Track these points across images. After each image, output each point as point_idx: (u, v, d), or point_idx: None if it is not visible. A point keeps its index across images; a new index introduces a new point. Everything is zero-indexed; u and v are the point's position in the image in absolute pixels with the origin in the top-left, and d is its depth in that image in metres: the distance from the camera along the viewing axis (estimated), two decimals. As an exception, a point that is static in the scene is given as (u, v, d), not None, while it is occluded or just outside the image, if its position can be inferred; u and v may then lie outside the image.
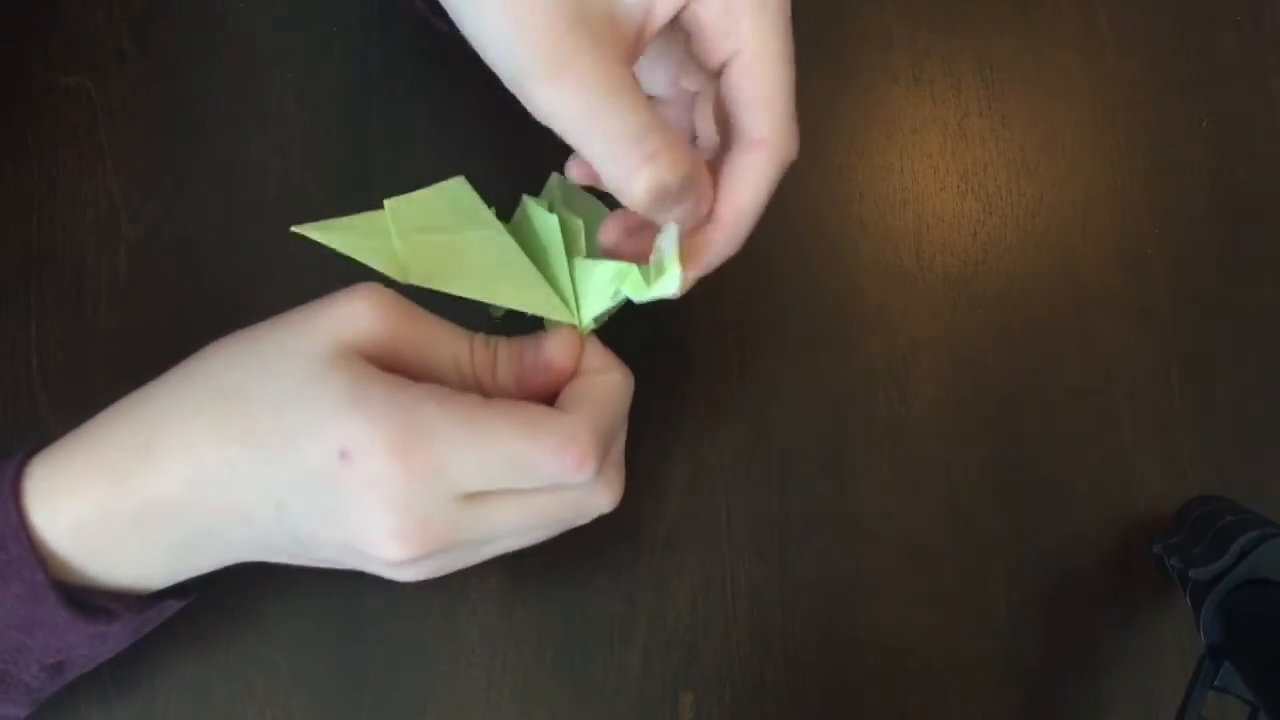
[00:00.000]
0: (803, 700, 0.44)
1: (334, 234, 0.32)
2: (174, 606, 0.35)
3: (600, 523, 0.34)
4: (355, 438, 0.29)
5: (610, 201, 0.36)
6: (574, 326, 0.35)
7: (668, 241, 0.32)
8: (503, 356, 0.33)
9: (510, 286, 0.34)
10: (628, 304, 0.35)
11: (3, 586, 0.31)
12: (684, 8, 0.30)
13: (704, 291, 0.35)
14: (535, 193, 0.41)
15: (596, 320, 0.35)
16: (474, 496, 0.31)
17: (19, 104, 0.43)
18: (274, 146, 0.44)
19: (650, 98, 0.36)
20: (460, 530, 0.31)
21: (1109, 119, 0.48)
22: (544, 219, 0.37)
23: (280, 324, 0.32)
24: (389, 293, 0.32)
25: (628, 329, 0.37)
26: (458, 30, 0.31)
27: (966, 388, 0.46)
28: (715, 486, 0.44)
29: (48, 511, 0.31)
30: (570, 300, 0.35)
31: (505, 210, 0.39)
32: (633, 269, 0.33)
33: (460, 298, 0.33)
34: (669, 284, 0.32)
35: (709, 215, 0.33)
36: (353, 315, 0.31)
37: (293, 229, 0.32)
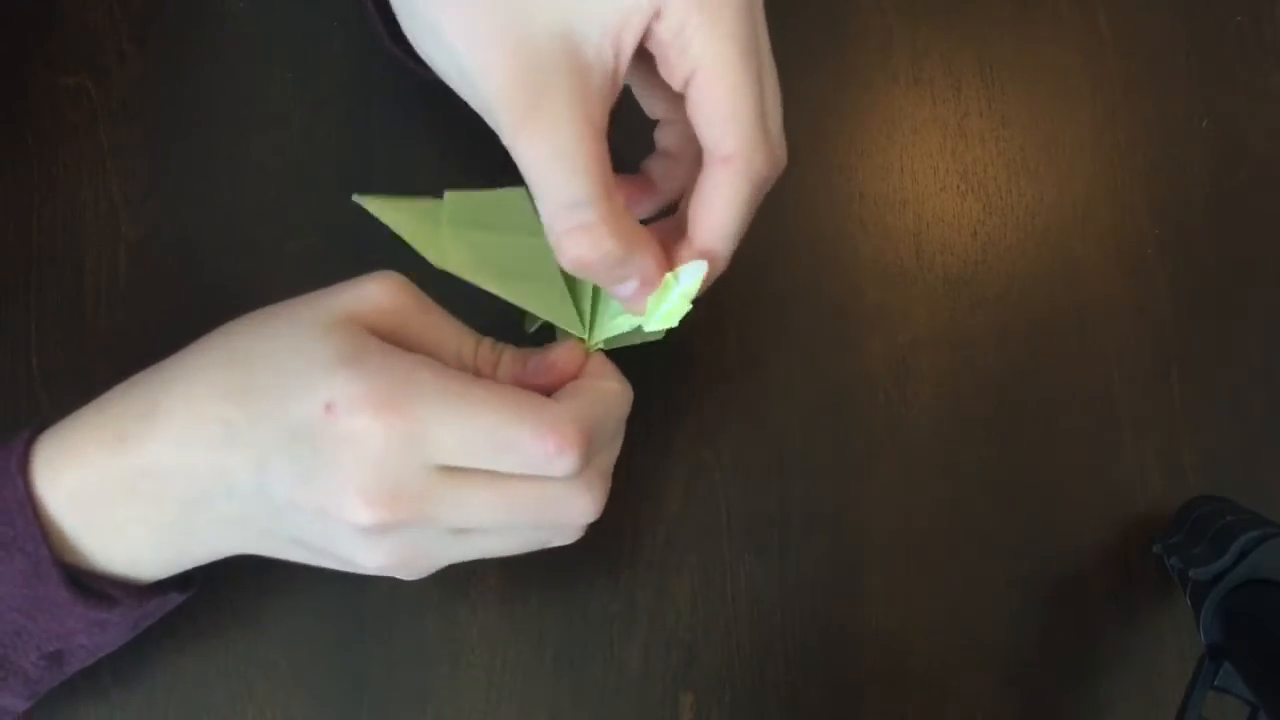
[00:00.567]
0: (803, 700, 0.44)
1: (389, 211, 0.33)
2: (175, 599, 0.35)
3: (600, 522, 0.34)
4: (343, 391, 0.30)
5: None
6: (582, 340, 0.35)
7: (688, 276, 0.33)
8: (506, 359, 0.34)
9: (533, 290, 0.35)
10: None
11: (7, 561, 0.31)
12: (647, 31, 0.30)
13: (704, 291, 0.35)
14: None
15: (607, 343, 0.36)
16: (450, 471, 0.31)
17: (19, 104, 0.43)
18: (274, 146, 0.44)
19: (657, 121, 0.36)
20: (431, 503, 0.31)
21: (1109, 119, 0.48)
22: None
23: (296, 300, 0.33)
24: (405, 281, 0.33)
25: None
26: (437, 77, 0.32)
27: (966, 388, 0.46)
28: (715, 486, 0.44)
29: (48, 481, 0.32)
30: (586, 316, 0.36)
31: None
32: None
33: (480, 308, 0.34)
34: (675, 315, 0.34)
35: (684, 235, 0.33)
36: (364, 292, 0.32)
37: (354, 197, 0.33)
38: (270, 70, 0.44)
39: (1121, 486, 0.46)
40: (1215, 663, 0.38)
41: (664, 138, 0.36)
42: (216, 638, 0.41)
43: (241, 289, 0.43)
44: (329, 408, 0.30)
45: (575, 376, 0.34)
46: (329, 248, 0.43)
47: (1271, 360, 0.47)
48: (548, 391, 0.33)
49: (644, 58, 0.32)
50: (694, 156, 0.33)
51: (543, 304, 0.35)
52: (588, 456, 0.31)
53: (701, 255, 0.33)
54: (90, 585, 0.33)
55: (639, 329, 0.35)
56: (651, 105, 0.36)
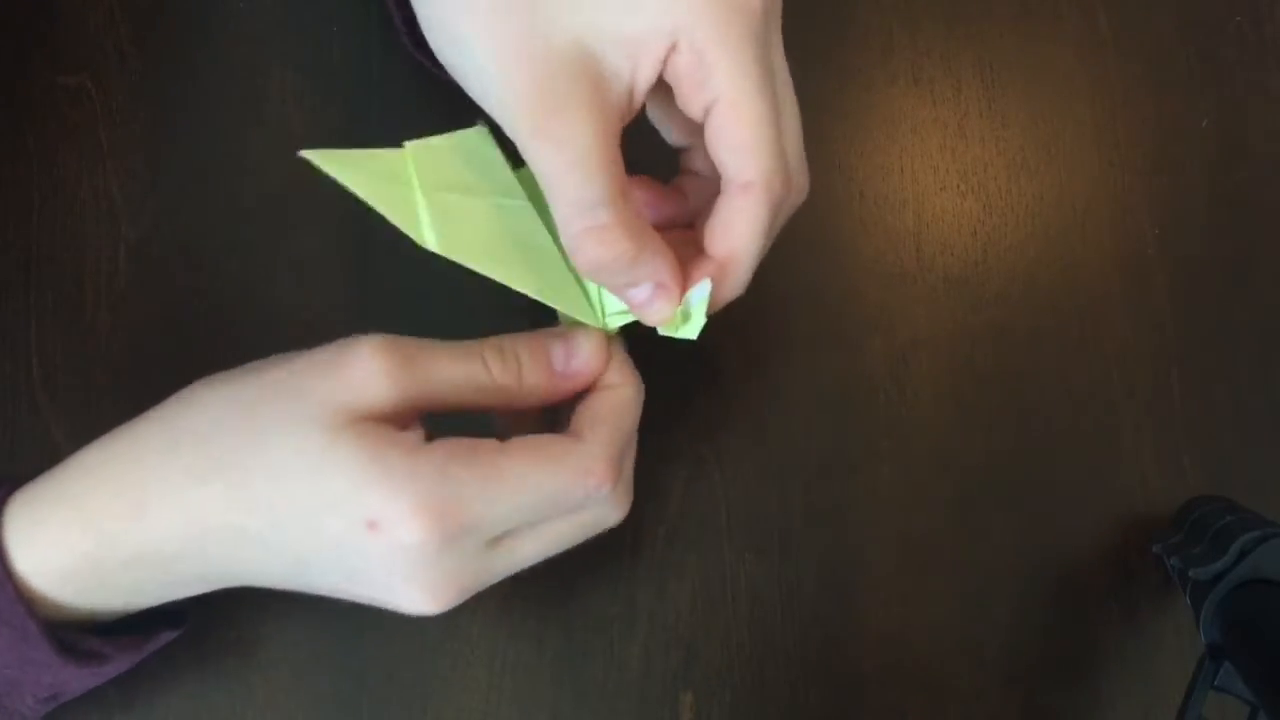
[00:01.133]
0: (803, 700, 0.44)
1: (347, 170, 0.31)
2: (168, 637, 0.36)
3: (600, 523, 0.34)
4: (383, 510, 0.29)
5: None
6: (601, 331, 0.35)
7: (698, 295, 0.33)
8: (526, 360, 0.33)
9: (537, 275, 0.34)
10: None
11: None
12: (665, 62, 0.31)
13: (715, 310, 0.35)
14: None
15: (621, 315, 0.35)
16: (498, 539, 0.32)
17: (19, 104, 0.43)
18: (274, 146, 0.44)
19: (680, 148, 0.37)
20: (489, 574, 0.32)
21: (1109, 119, 0.48)
22: None
23: (271, 387, 0.31)
24: (386, 347, 0.31)
25: (628, 329, 0.37)
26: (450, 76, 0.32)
27: (966, 388, 0.46)
28: (715, 486, 0.44)
29: (33, 560, 0.31)
30: (591, 296, 0.35)
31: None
32: None
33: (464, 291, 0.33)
34: (691, 330, 0.34)
35: (706, 258, 0.33)
36: (354, 382, 0.30)
37: (302, 152, 0.31)
38: (270, 70, 0.44)
39: (1121, 486, 0.46)
40: (1215, 663, 0.38)
41: (689, 161, 0.37)
42: (216, 638, 0.41)
43: (241, 289, 0.43)
44: (372, 525, 0.29)
45: (603, 371, 0.34)
46: (329, 248, 0.43)
47: (1271, 360, 0.47)
48: (577, 391, 0.34)
49: (662, 89, 0.32)
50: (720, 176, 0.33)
51: (551, 291, 0.34)
52: (618, 477, 0.32)
53: (718, 278, 0.33)
54: (82, 647, 0.33)
55: None
56: (671, 134, 0.36)
